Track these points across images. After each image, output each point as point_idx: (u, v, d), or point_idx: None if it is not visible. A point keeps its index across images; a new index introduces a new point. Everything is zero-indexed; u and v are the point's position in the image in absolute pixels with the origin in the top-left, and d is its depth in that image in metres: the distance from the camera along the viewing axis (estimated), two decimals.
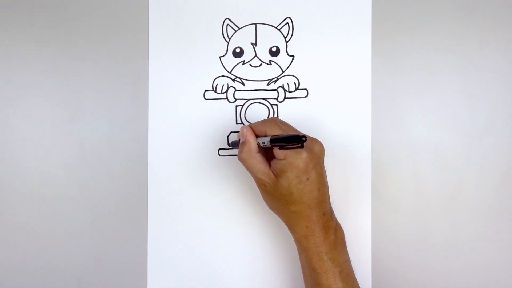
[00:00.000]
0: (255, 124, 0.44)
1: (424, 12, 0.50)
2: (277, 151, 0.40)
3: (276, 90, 0.52)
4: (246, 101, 0.52)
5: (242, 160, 0.43)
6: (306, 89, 0.52)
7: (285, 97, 0.52)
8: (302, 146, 0.39)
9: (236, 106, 0.52)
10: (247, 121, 0.52)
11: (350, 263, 0.44)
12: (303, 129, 0.51)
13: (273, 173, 0.41)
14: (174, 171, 0.52)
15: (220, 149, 0.52)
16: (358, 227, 0.50)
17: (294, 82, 0.52)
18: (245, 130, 0.43)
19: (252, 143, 0.42)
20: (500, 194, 0.50)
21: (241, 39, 0.52)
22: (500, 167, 0.50)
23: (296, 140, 0.38)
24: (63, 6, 0.53)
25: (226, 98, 0.52)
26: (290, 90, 0.52)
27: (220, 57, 0.52)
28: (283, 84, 0.52)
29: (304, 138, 0.38)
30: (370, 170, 0.50)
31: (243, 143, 0.43)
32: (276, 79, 0.52)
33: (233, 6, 0.52)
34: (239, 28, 0.52)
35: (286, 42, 0.52)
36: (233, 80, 0.52)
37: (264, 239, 0.51)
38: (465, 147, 0.50)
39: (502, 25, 0.50)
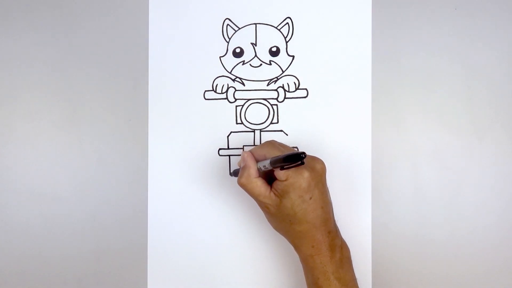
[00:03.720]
0: (254, 149, 0.44)
1: (424, 12, 0.50)
2: (278, 173, 0.40)
3: (276, 90, 0.52)
4: (246, 101, 0.52)
5: (242, 185, 0.42)
6: (306, 89, 0.52)
7: (285, 97, 0.52)
8: (302, 163, 0.38)
9: (236, 106, 0.52)
10: (247, 121, 0.52)
11: (356, 282, 0.43)
12: (303, 129, 0.51)
13: (275, 195, 0.41)
14: (174, 171, 0.52)
15: (220, 149, 0.52)
16: (358, 227, 0.50)
17: (294, 82, 0.52)
18: (245, 155, 0.43)
19: (252, 167, 0.42)
20: (500, 194, 0.50)
21: (241, 39, 0.52)
22: (500, 168, 0.50)
23: (296, 159, 0.38)
24: (63, 6, 0.53)
25: (226, 98, 0.52)
26: (290, 90, 0.52)
27: (220, 57, 0.52)
28: (283, 84, 0.52)
29: (303, 155, 0.38)
30: (370, 170, 0.50)
31: (243, 168, 0.43)
32: (276, 79, 0.52)
33: (233, 6, 0.52)
34: (239, 28, 0.52)
35: (286, 42, 0.52)
36: (233, 80, 0.52)
37: (264, 239, 0.51)
38: (465, 147, 0.50)
39: (502, 25, 0.50)
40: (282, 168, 0.39)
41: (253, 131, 0.52)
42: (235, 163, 0.52)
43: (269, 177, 0.43)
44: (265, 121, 0.52)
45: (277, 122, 0.52)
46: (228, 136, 0.52)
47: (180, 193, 0.52)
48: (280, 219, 0.42)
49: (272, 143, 0.43)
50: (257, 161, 0.43)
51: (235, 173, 0.47)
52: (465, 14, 0.50)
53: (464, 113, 0.50)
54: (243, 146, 0.52)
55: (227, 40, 0.52)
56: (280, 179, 0.40)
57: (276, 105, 0.52)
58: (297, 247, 0.43)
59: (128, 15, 0.53)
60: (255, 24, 0.52)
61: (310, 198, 0.40)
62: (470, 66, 0.50)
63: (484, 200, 0.50)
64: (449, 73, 0.50)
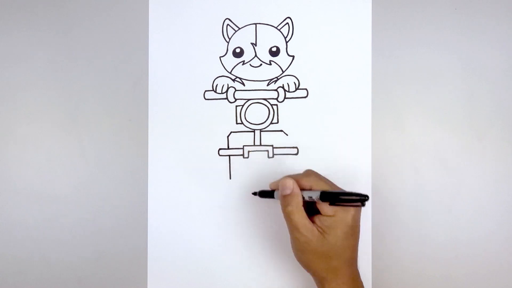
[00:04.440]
0: (297, 177, 0.43)
1: (424, 12, 0.50)
2: (325, 207, 0.40)
3: (276, 90, 0.52)
4: (246, 101, 0.52)
5: (289, 213, 0.41)
6: (306, 89, 0.52)
7: (285, 97, 0.52)
8: (363, 205, 0.38)
9: (236, 106, 0.52)
10: (247, 121, 0.52)
11: None
12: (303, 129, 0.51)
13: (318, 230, 0.40)
14: (174, 171, 0.52)
15: (220, 149, 0.52)
16: None
17: (294, 82, 0.52)
18: (291, 182, 0.42)
19: (300, 196, 0.41)
20: (500, 194, 0.50)
21: (241, 39, 0.52)
22: (500, 167, 0.50)
23: (355, 199, 0.38)
24: (63, 6, 0.53)
25: (226, 98, 0.52)
26: (290, 90, 0.52)
27: (220, 57, 0.52)
28: (283, 84, 0.52)
29: (367, 197, 0.38)
30: (370, 170, 0.50)
31: (291, 196, 0.41)
32: (276, 79, 0.52)
33: (233, 6, 0.52)
34: (239, 28, 0.52)
35: (286, 42, 0.52)
36: (233, 80, 0.52)
37: (264, 239, 0.51)
38: (465, 147, 0.50)
39: (502, 25, 0.50)
40: (333, 204, 0.39)
41: (253, 131, 0.52)
42: (235, 163, 0.52)
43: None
44: (265, 121, 0.52)
45: (277, 122, 0.52)
46: (228, 136, 0.52)
47: (180, 193, 0.52)
48: (318, 254, 0.41)
49: (316, 175, 0.43)
50: (300, 189, 0.42)
51: (261, 194, 0.47)
52: (465, 14, 0.50)
53: (464, 113, 0.50)
54: (243, 146, 0.52)
55: (227, 40, 0.52)
56: (326, 213, 0.40)
57: (276, 105, 0.52)
58: (326, 282, 0.42)
59: (128, 15, 0.53)
60: (255, 24, 0.52)
61: (352, 235, 0.40)
62: (471, 67, 0.50)
63: (484, 200, 0.50)
64: (449, 74, 0.50)
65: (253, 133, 0.52)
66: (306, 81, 0.51)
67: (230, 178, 0.52)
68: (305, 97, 0.51)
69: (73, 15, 0.53)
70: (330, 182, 0.44)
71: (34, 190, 0.53)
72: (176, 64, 0.52)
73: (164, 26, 0.52)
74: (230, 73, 0.52)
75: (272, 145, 0.52)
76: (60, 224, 0.53)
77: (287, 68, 0.52)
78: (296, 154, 0.51)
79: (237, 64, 0.52)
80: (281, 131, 0.52)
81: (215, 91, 0.52)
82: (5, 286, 0.53)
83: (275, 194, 0.45)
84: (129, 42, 0.53)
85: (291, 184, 0.42)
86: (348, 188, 0.50)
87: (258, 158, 0.52)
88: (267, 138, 0.52)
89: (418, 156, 0.50)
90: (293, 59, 0.52)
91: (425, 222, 0.50)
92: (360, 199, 0.38)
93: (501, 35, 0.50)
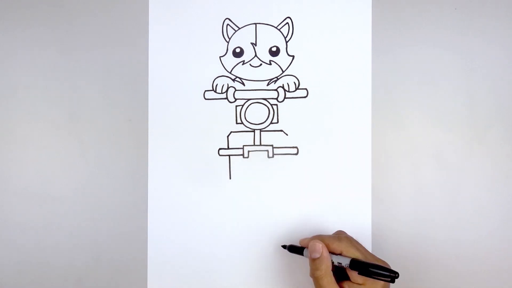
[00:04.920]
0: (328, 240, 0.43)
1: (424, 12, 0.50)
2: (355, 275, 0.40)
3: (276, 90, 0.52)
4: (246, 101, 0.52)
5: (318, 278, 0.41)
6: (306, 89, 0.51)
7: (285, 97, 0.52)
8: (392, 281, 0.39)
9: (236, 106, 0.52)
10: (247, 121, 0.52)
11: None
12: (303, 129, 0.51)
13: None
14: (174, 171, 0.52)
15: (220, 149, 0.52)
16: (358, 227, 0.50)
17: (294, 82, 0.52)
18: (320, 246, 0.42)
19: (329, 260, 0.41)
20: (499, 194, 0.50)
21: (241, 39, 0.52)
22: (500, 167, 0.50)
23: (385, 274, 0.38)
24: (63, 6, 0.53)
25: (226, 98, 0.52)
26: (290, 90, 0.52)
27: (220, 57, 0.52)
28: (283, 84, 0.52)
29: (397, 275, 0.38)
30: (370, 170, 0.50)
31: (321, 260, 0.42)
32: (276, 79, 0.52)
33: (233, 6, 0.52)
34: (239, 28, 0.52)
35: (286, 42, 0.52)
36: (233, 80, 0.52)
37: (264, 239, 0.51)
38: (465, 147, 0.50)
39: (502, 25, 0.50)
40: (363, 274, 0.39)
41: (253, 131, 0.52)
42: (235, 163, 0.52)
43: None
44: (265, 121, 0.52)
45: (277, 122, 0.52)
46: (228, 136, 0.52)
47: (180, 193, 0.52)
48: None
49: (349, 240, 0.43)
50: (330, 252, 0.42)
51: (291, 249, 0.47)
52: (465, 14, 0.50)
53: (464, 113, 0.50)
54: (243, 146, 0.52)
55: (227, 40, 0.52)
56: (355, 281, 0.40)
57: (276, 105, 0.52)
58: None
59: (128, 15, 0.53)
60: (255, 24, 0.52)
61: None
62: (471, 67, 0.50)
63: (484, 200, 0.50)
64: (449, 74, 0.50)
65: (253, 133, 0.52)
66: (306, 81, 0.51)
67: (230, 178, 0.52)
68: (305, 97, 0.51)
69: (73, 15, 0.53)
70: (362, 247, 0.44)
71: (34, 190, 0.53)
72: (176, 64, 0.52)
73: (164, 26, 0.52)
74: (230, 73, 0.52)
75: (272, 145, 0.52)
76: (60, 224, 0.53)
77: (287, 68, 0.52)
78: (296, 154, 0.51)
79: (237, 64, 0.52)
80: (281, 131, 0.52)
81: (215, 91, 0.52)
82: (5, 286, 0.53)
83: (305, 251, 0.46)
84: (129, 42, 0.53)
85: (320, 248, 0.42)
86: (347, 188, 0.50)
87: (258, 158, 0.52)
88: (267, 138, 0.52)
89: (418, 156, 0.50)
90: (293, 59, 0.52)
91: (425, 222, 0.50)
92: (390, 275, 0.39)
93: (501, 35, 0.50)
